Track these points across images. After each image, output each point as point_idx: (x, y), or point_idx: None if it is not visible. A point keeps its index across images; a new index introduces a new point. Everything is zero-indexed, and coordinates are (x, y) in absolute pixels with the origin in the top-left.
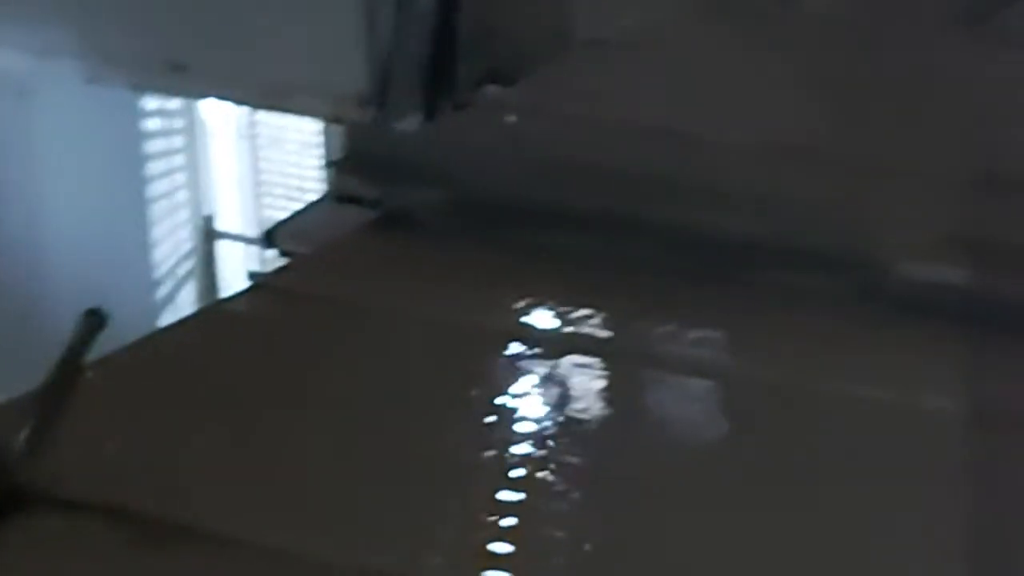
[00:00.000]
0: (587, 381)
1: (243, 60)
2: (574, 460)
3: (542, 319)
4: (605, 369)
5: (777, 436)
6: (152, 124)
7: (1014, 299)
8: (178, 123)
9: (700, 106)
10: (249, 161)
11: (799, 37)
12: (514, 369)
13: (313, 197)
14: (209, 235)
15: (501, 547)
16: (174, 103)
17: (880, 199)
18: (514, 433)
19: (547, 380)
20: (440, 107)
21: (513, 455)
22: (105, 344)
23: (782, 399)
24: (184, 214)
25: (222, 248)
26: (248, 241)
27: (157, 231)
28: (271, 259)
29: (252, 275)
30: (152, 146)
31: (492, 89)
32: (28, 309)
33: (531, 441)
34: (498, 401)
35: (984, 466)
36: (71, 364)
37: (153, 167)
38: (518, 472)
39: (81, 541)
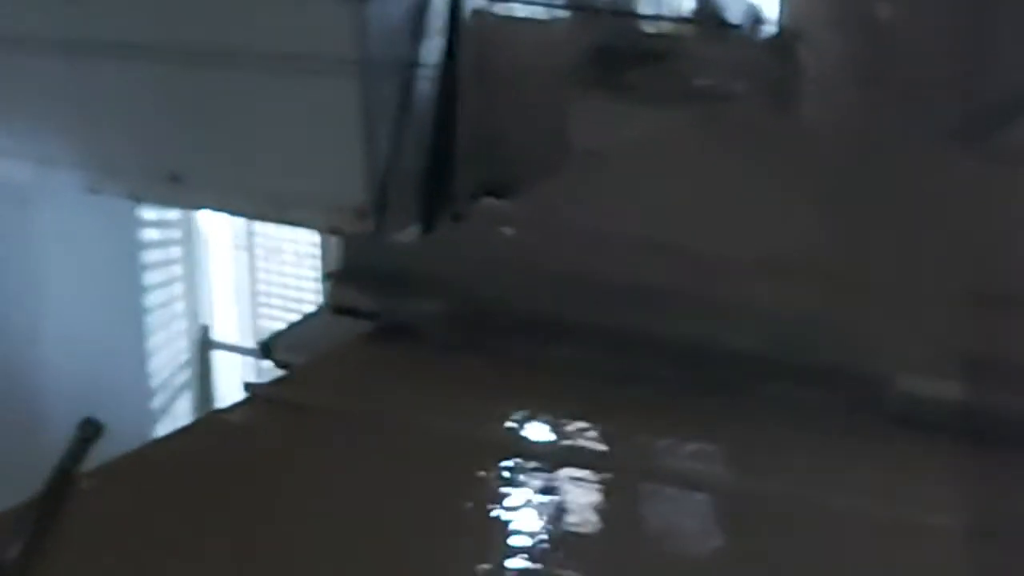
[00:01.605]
0: (584, 494)
1: (242, 172)
2: (570, 575)
3: (539, 431)
4: (602, 482)
5: (776, 551)
6: (151, 234)
7: (1013, 415)
8: (176, 233)
9: (698, 219)
10: (247, 272)
11: (797, 151)
12: (510, 482)
13: (310, 308)
14: (205, 345)
15: None
16: (173, 213)
17: (878, 313)
18: (509, 547)
19: (543, 493)
20: (438, 219)
21: (508, 569)
22: (101, 454)
23: (781, 514)
24: (181, 324)
25: (219, 358)
26: (245, 352)
27: (154, 340)
28: (268, 370)
29: (248, 386)
30: (150, 256)
31: (490, 201)
32: (24, 416)
33: (526, 555)
34: (493, 514)
35: None
36: (66, 474)
37: (151, 277)
38: None
39: None
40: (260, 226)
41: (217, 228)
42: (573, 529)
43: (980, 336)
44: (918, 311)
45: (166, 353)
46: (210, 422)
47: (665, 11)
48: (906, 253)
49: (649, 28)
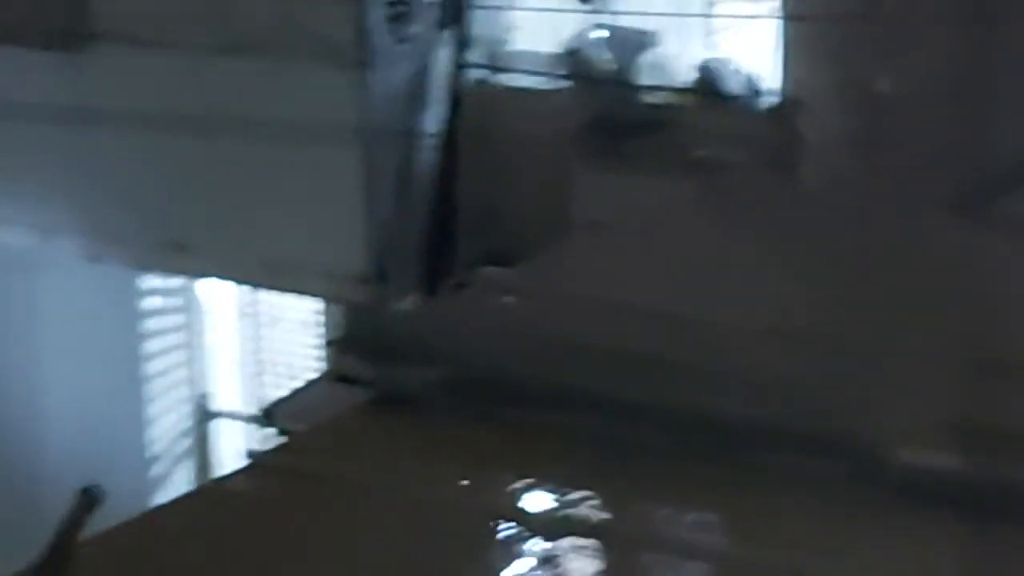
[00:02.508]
0: (585, 564)
1: (243, 240)
2: None
3: (539, 500)
4: (602, 551)
5: None
6: (152, 302)
7: (1013, 485)
8: (178, 301)
9: (698, 288)
10: (248, 339)
11: (797, 221)
12: (510, 550)
13: (312, 376)
14: (206, 413)
15: None
16: (174, 282)
17: (879, 383)
18: None
19: (543, 562)
20: (439, 287)
21: None
22: (100, 521)
23: None
24: (182, 392)
25: (220, 426)
26: (246, 419)
27: (154, 408)
28: (269, 437)
29: (250, 453)
30: (152, 324)
31: (491, 270)
32: (24, 483)
33: None
34: None
35: None
36: (66, 541)
37: (152, 345)
38: None
39: None
40: (262, 293)
41: (219, 296)
42: None
43: (981, 405)
44: (919, 380)
45: (166, 421)
46: (210, 490)
47: (666, 81)
48: (907, 321)
49: (649, 98)
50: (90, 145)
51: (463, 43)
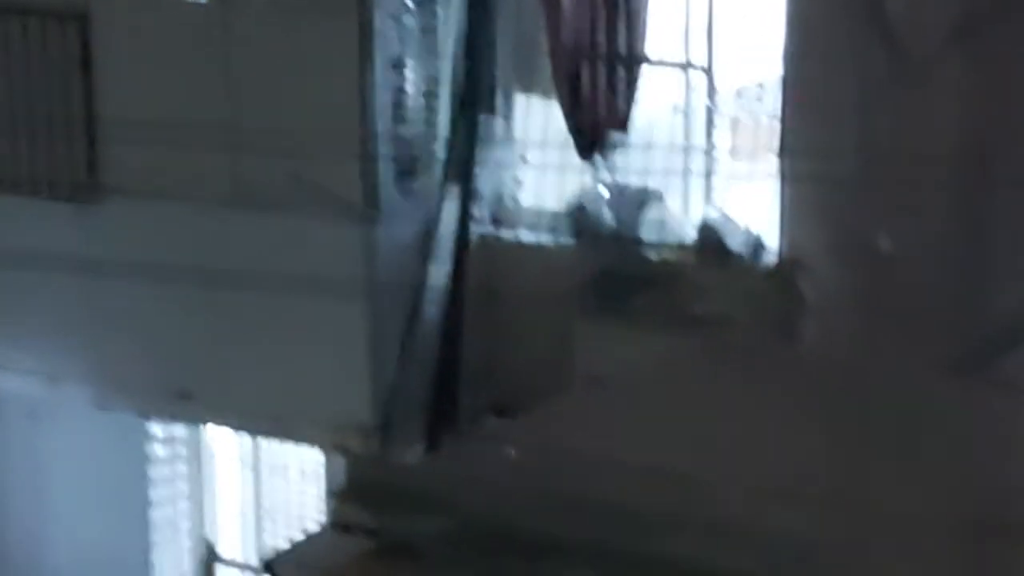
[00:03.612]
0: None
1: (249, 389)
2: None
3: None
4: None
5: None
6: (158, 450)
7: None
8: (183, 450)
9: (698, 445)
10: (251, 489)
11: (796, 377)
12: None
13: (314, 526)
14: (210, 561)
15: None
16: (180, 429)
17: (878, 541)
18: None
19: None
20: (442, 439)
21: None
22: None
23: None
24: (186, 540)
25: (223, 573)
26: (248, 569)
27: (158, 555)
28: None
29: None
30: (157, 472)
31: (493, 422)
32: None
33: None
34: None
35: None
36: None
37: (157, 492)
38: None
39: None
40: (266, 443)
41: (223, 444)
42: None
43: (981, 567)
44: (919, 539)
45: (170, 568)
46: None
47: (667, 238)
48: (905, 480)
49: (651, 254)
50: (99, 294)
51: (469, 199)
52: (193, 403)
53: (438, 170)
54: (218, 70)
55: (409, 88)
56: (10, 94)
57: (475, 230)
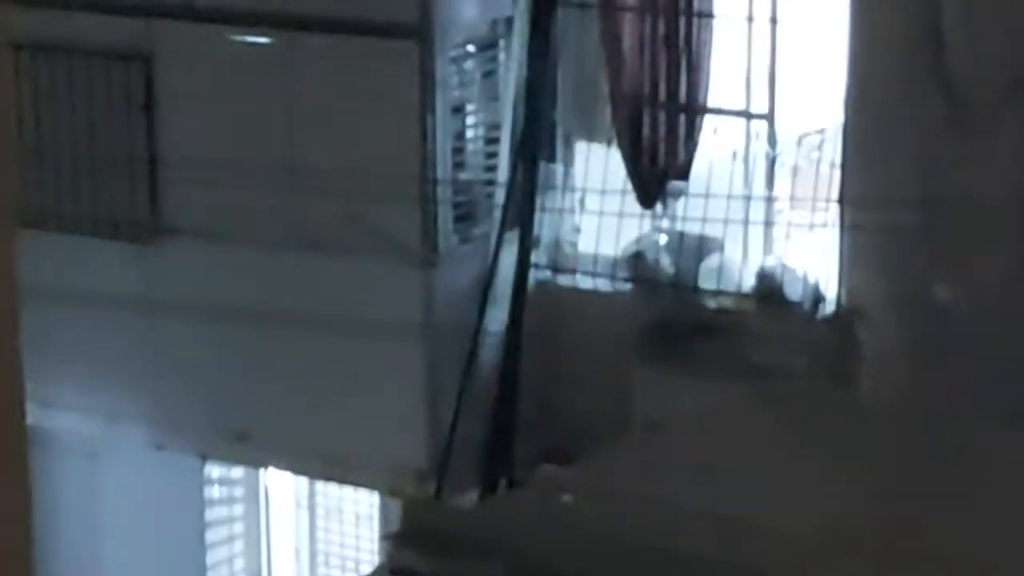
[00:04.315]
0: None
1: (306, 431)
2: None
3: None
4: None
5: None
6: (214, 491)
7: None
8: (239, 491)
9: (755, 493)
10: (307, 531)
11: (853, 427)
12: None
13: (369, 569)
14: None
15: None
16: (236, 471)
17: None
18: None
19: None
20: (497, 483)
21: None
22: None
23: None
24: None
25: None
26: None
27: None
28: None
29: None
30: (212, 512)
31: (549, 467)
32: None
33: None
34: None
35: None
36: None
37: (213, 533)
38: None
39: None
40: (321, 485)
41: (279, 486)
42: None
43: None
44: None
45: None
46: None
47: (726, 286)
48: (962, 532)
49: (710, 302)
50: (157, 334)
51: (528, 244)
52: (250, 444)
53: (497, 215)
54: (280, 112)
55: (469, 133)
56: (73, 134)
57: (533, 276)
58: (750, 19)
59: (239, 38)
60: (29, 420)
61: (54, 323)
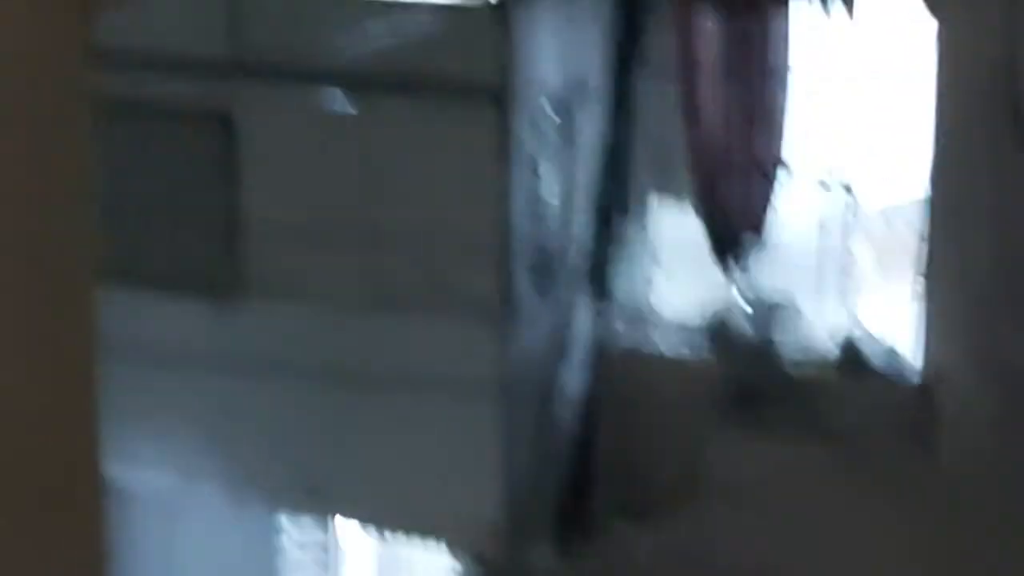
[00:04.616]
0: None
1: (380, 486)
2: None
3: None
4: None
5: None
6: (288, 545)
7: None
8: (313, 546)
9: (831, 556)
10: None
11: (932, 493)
12: None
13: None
14: None
15: None
16: (310, 525)
17: None
18: None
19: None
20: (572, 542)
21: None
22: None
23: None
24: None
25: None
26: None
27: None
28: None
29: None
30: (287, 567)
31: (624, 527)
32: None
33: None
34: None
35: None
36: None
37: None
38: None
39: None
40: (395, 540)
41: (353, 541)
42: None
43: None
44: None
45: None
46: None
47: (805, 352)
48: None
49: (789, 367)
50: (234, 391)
51: (604, 303)
52: (323, 499)
53: (574, 274)
54: (359, 171)
55: (547, 192)
56: (154, 192)
57: (609, 335)
58: (832, 80)
59: (320, 98)
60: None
61: (133, 379)
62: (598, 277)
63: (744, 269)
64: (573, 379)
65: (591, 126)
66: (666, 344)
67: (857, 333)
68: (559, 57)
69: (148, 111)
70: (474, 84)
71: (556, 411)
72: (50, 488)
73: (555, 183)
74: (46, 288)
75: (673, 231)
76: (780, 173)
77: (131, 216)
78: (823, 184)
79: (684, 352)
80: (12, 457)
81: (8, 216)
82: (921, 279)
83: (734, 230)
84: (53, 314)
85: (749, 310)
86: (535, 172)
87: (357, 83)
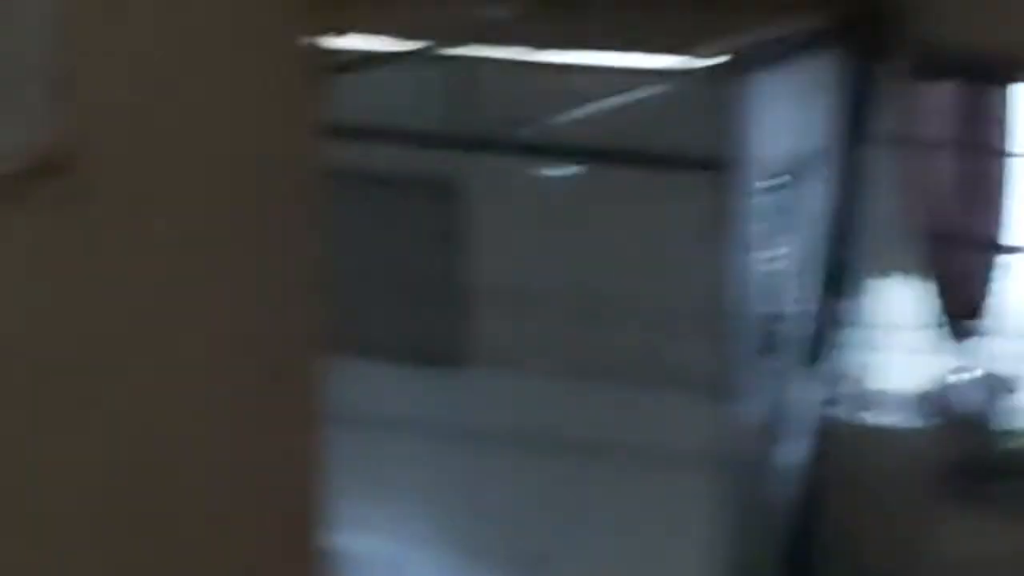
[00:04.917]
0: None
1: (597, 557)
2: None
3: None
4: None
5: None
6: None
7: None
8: None
9: None
10: None
11: None
12: None
13: None
14: None
15: None
16: None
17: None
18: None
19: None
20: None
21: None
22: None
23: None
24: None
25: None
26: None
27: None
28: None
29: None
30: None
31: None
32: None
33: None
34: None
35: None
36: None
37: None
38: None
39: None
40: None
41: None
42: None
43: None
44: None
45: None
46: None
47: None
48: None
49: (1014, 443)
50: (456, 460)
51: (825, 380)
52: (549, 567)
53: (795, 347)
54: (581, 242)
55: (769, 264)
56: (379, 262)
57: (829, 411)
58: None
59: (543, 170)
60: (331, 544)
61: (361, 448)
62: (820, 350)
63: (969, 343)
64: (791, 455)
65: (817, 198)
66: (885, 419)
67: None
68: (785, 127)
69: (374, 182)
70: (696, 154)
71: (773, 487)
72: (268, 555)
73: (778, 256)
74: (269, 358)
75: (898, 304)
76: (1002, 250)
77: (359, 286)
78: None
79: (903, 427)
80: (235, 526)
81: (239, 291)
82: None
83: (960, 304)
84: (275, 384)
85: (969, 384)
86: (758, 244)
87: (581, 153)
